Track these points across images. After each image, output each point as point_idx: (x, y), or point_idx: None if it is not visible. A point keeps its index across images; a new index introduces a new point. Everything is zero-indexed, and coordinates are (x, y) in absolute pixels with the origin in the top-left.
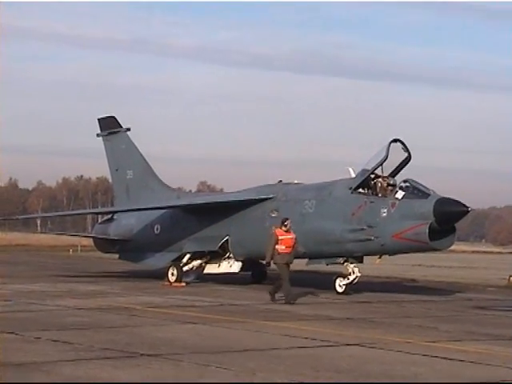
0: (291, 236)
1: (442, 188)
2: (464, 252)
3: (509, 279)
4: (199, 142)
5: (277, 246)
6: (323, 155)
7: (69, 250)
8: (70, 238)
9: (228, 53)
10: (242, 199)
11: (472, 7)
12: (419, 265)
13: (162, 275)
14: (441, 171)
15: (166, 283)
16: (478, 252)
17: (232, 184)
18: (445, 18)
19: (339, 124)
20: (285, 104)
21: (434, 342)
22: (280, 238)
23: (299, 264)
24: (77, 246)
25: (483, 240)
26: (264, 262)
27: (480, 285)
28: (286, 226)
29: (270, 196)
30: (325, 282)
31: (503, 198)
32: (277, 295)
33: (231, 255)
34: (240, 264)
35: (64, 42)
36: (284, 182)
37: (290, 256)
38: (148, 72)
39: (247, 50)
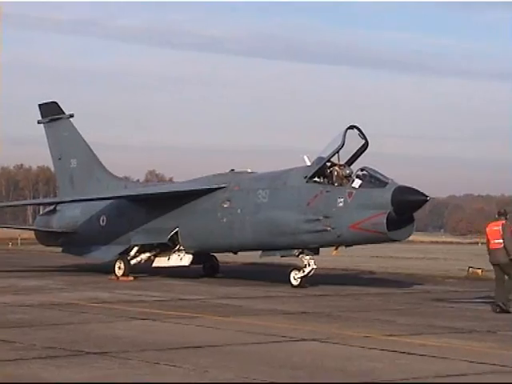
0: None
1: (400, 176)
2: (423, 242)
3: (468, 270)
4: (147, 128)
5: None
6: (278, 142)
7: (8, 244)
8: (9, 230)
9: (178, 35)
10: (193, 189)
11: None
12: (377, 256)
13: (108, 269)
14: (398, 158)
15: (113, 277)
16: (436, 243)
17: (182, 173)
18: (403, 3)
19: (295, 110)
20: (238, 89)
21: (392, 335)
22: None
23: (252, 256)
24: (17, 238)
25: (442, 230)
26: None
27: (439, 276)
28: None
29: (222, 186)
30: (279, 275)
31: (463, 186)
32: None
33: (181, 248)
34: (191, 257)
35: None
36: (236, 170)
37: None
38: (93, 55)
39: (200, 32)
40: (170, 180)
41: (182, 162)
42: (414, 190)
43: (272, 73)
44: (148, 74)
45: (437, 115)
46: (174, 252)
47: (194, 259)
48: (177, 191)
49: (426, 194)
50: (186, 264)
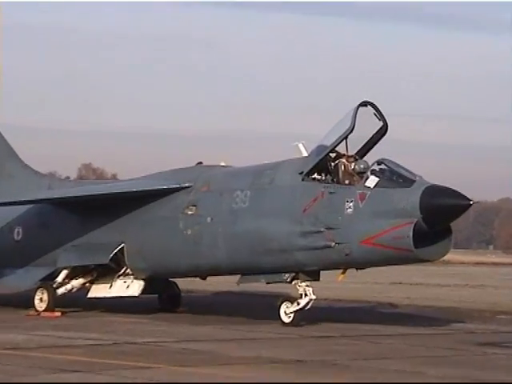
0: None
1: (431, 173)
2: (464, 264)
3: None
4: (80, 109)
5: None
6: (263, 126)
7: None
8: None
9: None
10: (145, 189)
11: None
12: (400, 283)
13: (26, 301)
14: (431, 147)
15: (33, 313)
16: (483, 264)
17: (129, 168)
18: None
19: (281, 79)
20: (201, 55)
21: None
22: None
23: (227, 283)
24: None
25: (491, 246)
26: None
27: (487, 311)
28: None
29: (186, 185)
30: (265, 309)
31: None
32: None
33: (128, 271)
34: (142, 284)
35: None
36: (205, 164)
37: None
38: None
39: None
40: (114, 177)
41: (130, 152)
42: (451, 190)
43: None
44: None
45: (480, 87)
46: (119, 277)
47: (146, 287)
48: (122, 192)
49: (469, 196)
50: (135, 294)
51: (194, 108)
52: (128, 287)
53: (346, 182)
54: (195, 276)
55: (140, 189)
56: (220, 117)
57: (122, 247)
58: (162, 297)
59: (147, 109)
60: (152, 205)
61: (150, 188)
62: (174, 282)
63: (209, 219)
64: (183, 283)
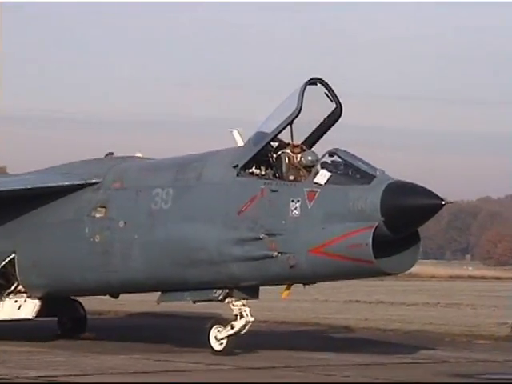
0: None
1: (399, 167)
2: (435, 278)
3: (511, 326)
4: None
5: None
6: (183, 108)
7: None
8: None
9: None
10: (40, 187)
11: None
12: (357, 301)
13: None
14: (393, 134)
15: None
16: (459, 278)
17: (22, 160)
18: None
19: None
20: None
21: None
22: None
23: (145, 302)
24: None
25: (468, 256)
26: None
27: (463, 335)
28: None
29: (93, 181)
30: (191, 334)
31: (504, 183)
32: None
33: (20, 288)
34: (37, 304)
35: None
36: (117, 155)
37: None
38: None
39: None
40: (2, 171)
41: (22, 141)
42: (419, 188)
43: None
44: None
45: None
46: (8, 295)
47: (42, 308)
48: (12, 190)
49: (440, 195)
50: (29, 316)
51: (101, 85)
52: (20, 308)
53: (291, 177)
54: (105, 294)
55: (35, 186)
56: (135, 97)
57: (13, 258)
58: (62, 320)
59: (42, 89)
60: (50, 206)
61: (48, 185)
62: (78, 302)
63: (122, 223)
64: (90, 303)
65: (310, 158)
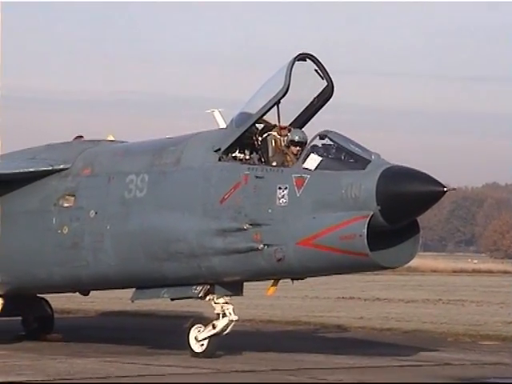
0: None
1: (397, 150)
2: (436, 272)
3: None
4: None
5: None
6: (163, 87)
7: None
8: None
9: None
10: (3, 173)
11: None
12: (351, 298)
13: None
14: (390, 115)
15: None
16: (462, 272)
17: None
18: None
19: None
20: None
21: None
22: None
23: (118, 299)
24: None
25: (472, 248)
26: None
27: (468, 335)
28: None
29: (60, 167)
30: (169, 335)
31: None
32: None
33: None
34: None
35: None
36: (88, 139)
37: None
38: None
39: None
40: None
41: None
42: (418, 173)
43: None
44: None
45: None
46: None
47: (4, 306)
48: None
49: (442, 181)
50: None
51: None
52: None
53: (278, 162)
54: (74, 291)
55: None
56: (107, 74)
57: None
58: (27, 319)
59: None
60: (13, 194)
61: (10, 171)
62: (45, 300)
63: (92, 213)
64: (57, 301)
65: (297, 136)
